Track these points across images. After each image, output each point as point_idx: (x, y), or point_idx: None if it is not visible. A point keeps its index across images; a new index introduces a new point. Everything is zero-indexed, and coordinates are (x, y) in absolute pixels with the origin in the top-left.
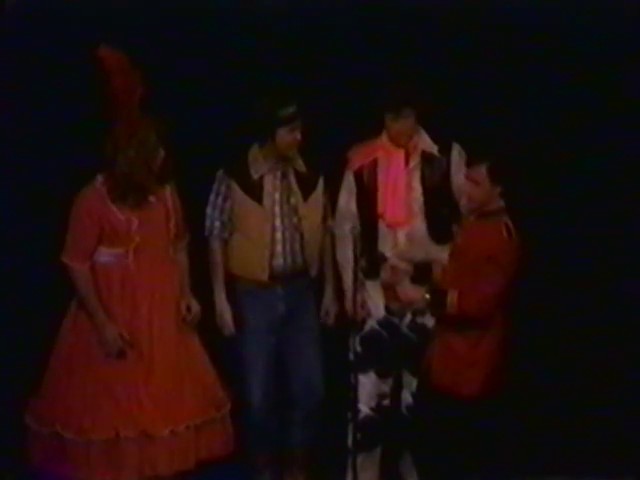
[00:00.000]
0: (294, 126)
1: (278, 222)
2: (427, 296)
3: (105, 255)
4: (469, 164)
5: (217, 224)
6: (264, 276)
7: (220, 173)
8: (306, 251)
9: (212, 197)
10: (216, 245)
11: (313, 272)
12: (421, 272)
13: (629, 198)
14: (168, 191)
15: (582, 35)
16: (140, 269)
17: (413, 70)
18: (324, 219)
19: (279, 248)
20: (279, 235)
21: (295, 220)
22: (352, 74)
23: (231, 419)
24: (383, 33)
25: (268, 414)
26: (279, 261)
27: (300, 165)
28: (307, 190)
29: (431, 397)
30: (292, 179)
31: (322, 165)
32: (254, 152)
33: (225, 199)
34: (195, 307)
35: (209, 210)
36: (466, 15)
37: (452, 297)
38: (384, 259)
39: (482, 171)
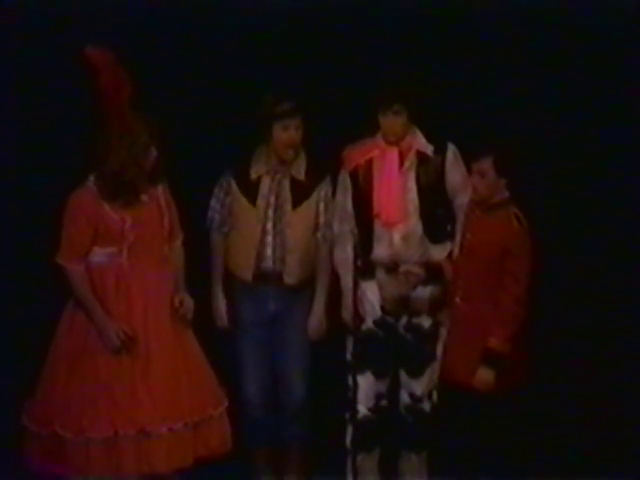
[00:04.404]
0: (289, 123)
1: (270, 225)
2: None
3: (99, 255)
4: (474, 157)
5: (217, 217)
6: (248, 276)
7: (227, 168)
8: (287, 258)
9: (216, 190)
10: (215, 238)
11: (289, 280)
12: (432, 273)
13: (633, 189)
14: (160, 190)
15: (579, 27)
16: (134, 268)
17: (411, 69)
18: (315, 229)
19: (269, 251)
20: (270, 238)
21: (281, 226)
22: (350, 74)
23: (231, 416)
24: (380, 32)
25: (263, 410)
26: (268, 264)
27: (298, 172)
28: (298, 198)
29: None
30: (286, 185)
31: (326, 169)
32: (259, 152)
33: (226, 194)
34: (188, 301)
35: (212, 202)
36: (464, 13)
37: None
38: (397, 266)
39: (488, 163)
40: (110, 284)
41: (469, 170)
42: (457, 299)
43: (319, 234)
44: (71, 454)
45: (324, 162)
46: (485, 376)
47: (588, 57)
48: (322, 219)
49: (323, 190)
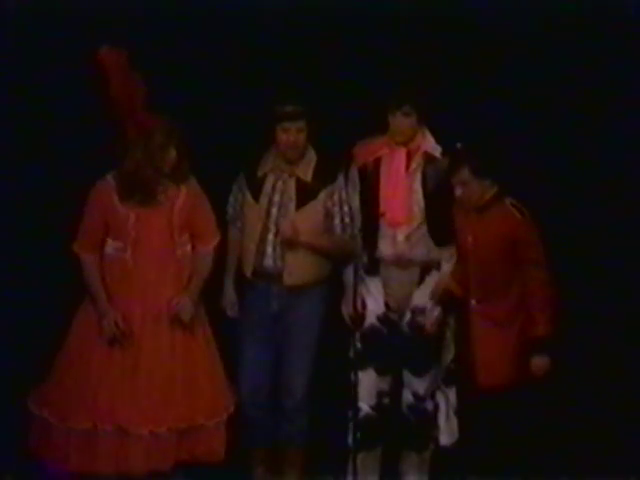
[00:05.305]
0: (290, 126)
1: (272, 223)
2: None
3: (110, 247)
4: (450, 171)
5: (230, 211)
6: (248, 273)
7: (242, 164)
8: (287, 258)
9: (234, 185)
10: (230, 231)
11: (289, 281)
12: (446, 299)
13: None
14: (183, 192)
15: (582, 35)
16: (137, 265)
17: (421, 70)
18: (318, 231)
19: (269, 249)
20: (271, 236)
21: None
22: (364, 77)
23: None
24: (389, 34)
25: (258, 410)
26: (269, 262)
27: (305, 174)
28: (303, 199)
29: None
30: (292, 185)
31: (335, 171)
32: (269, 150)
33: (239, 189)
34: (185, 304)
35: (230, 197)
36: (470, 16)
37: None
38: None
39: (465, 172)
40: (115, 277)
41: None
42: (472, 301)
43: (337, 226)
44: (55, 441)
45: (333, 165)
46: (541, 363)
47: (594, 57)
48: (337, 220)
49: (336, 193)
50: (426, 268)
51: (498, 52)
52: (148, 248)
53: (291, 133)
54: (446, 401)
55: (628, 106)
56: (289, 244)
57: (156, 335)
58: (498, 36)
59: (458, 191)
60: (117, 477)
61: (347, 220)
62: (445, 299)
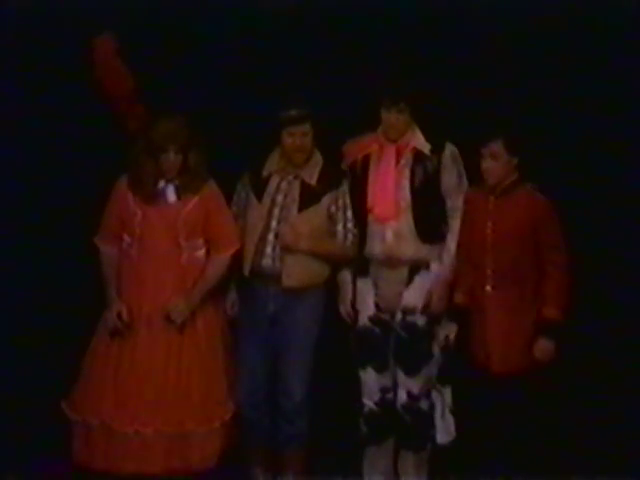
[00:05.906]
0: (295, 130)
1: (274, 224)
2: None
3: (124, 242)
4: (483, 141)
5: (234, 210)
6: (246, 272)
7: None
8: (286, 259)
9: (238, 184)
10: None
11: (287, 282)
12: (453, 314)
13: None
14: (196, 198)
15: (579, 25)
16: (141, 262)
17: (412, 66)
18: (319, 235)
19: (268, 249)
20: (271, 236)
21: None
22: (353, 72)
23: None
24: (382, 30)
25: (256, 410)
26: (268, 262)
27: (310, 177)
28: (306, 202)
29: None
30: (296, 187)
31: (341, 176)
32: (274, 150)
33: (243, 188)
34: (177, 306)
35: (234, 195)
36: (465, 11)
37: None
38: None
39: (499, 144)
40: (123, 272)
41: (479, 156)
42: (487, 287)
43: (340, 232)
44: (70, 429)
45: (339, 169)
46: (546, 347)
47: (589, 56)
48: (340, 225)
49: (340, 199)
50: (415, 268)
51: (492, 49)
52: (151, 247)
53: (297, 137)
54: (442, 400)
55: None
56: (289, 249)
57: (152, 336)
58: (494, 33)
59: (484, 163)
60: (111, 476)
61: (350, 226)
62: (453, 313)
